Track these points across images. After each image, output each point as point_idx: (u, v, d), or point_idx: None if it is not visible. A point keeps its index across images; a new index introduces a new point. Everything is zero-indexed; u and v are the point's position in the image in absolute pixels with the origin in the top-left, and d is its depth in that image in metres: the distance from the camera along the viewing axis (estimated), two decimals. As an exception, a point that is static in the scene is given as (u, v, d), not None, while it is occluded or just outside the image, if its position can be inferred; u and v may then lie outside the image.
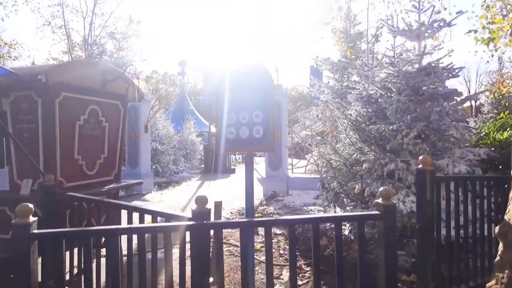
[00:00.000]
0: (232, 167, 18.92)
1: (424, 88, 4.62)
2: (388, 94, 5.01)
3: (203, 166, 18.63)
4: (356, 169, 5.43)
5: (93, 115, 4.12)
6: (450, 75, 4.43)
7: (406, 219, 4.25)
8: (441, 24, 4.38)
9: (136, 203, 8.71)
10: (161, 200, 9.13)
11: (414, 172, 4.54)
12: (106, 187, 4.13)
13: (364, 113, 5.72)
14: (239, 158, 25.91)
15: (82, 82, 3.84)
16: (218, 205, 5.72)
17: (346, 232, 5.48)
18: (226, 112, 3.39)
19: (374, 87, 5.58)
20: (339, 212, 6.10)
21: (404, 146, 4.55)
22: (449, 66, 4.48)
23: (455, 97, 4.48)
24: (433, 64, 4.53)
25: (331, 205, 5.95)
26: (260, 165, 22.04)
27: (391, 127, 4.53)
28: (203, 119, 25.66)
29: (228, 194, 10.00)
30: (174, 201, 9.07)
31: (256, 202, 7.78)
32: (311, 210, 7.49)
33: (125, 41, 20.59)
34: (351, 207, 5.77)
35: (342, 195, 5.83)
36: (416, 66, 4.71)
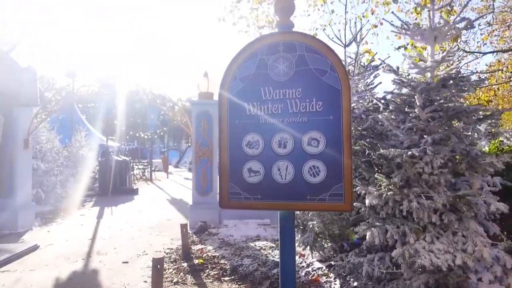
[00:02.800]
0: (134, 186, 16.32)
1: (437, 102, 3.70)
2: (390, 110, 3.97)
3: (97, 185, 15.63)
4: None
5: None
6: (473, 86, 3.58)
7: (451, 279, 3.17)
8: (468, 25, 3.51)
9: (9, 247, 6.06)
10: (50, 244, 6.61)
11: (434, 209, 3.57)
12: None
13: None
14: (138, 174, 22.96)
15: None
16: (159, 263, 3.90)
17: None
18: (237, 131, 1.79)
19: (362, 100, 4.53)
20: (316, 258, 4.83)
21: (423, 176, 3.51)
22: (469, 76, 3.64)
23: (481, 114, 3.63)
24: (452, 73, 3.64)
25: (307, 249, 4.65)
26: (164, 182, 19.59)
27: (410, 152, 3.46)
28: (95, 130, 22.22)
29: (143, 228, 7.92)
30: (69, 244, 6.66)
31: (177, 235, 5.93)
32: (261, 248, 6.07)
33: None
34: (333, 252, 4.56)
35: (321, 236, 4.59)
36: (428, 75, 3.77)
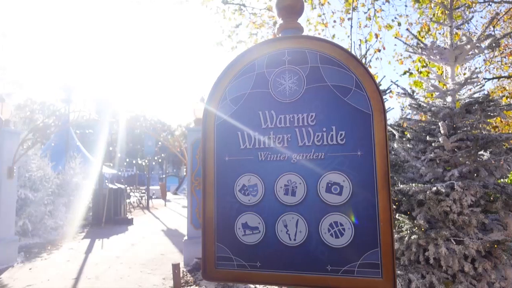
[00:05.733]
0: (129, 216, 15.65)
1: (461, 130, 3.24)
2: (407, 138, 3.51)
3: (91, 214, 14.97)
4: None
5: None
6: (504, 111, 3.13)
7: None
8: (493, 43, 3.10)
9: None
10: (29, 285, 5.99)
11: (465, 255, 3.05)
12: None
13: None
14: (134, 202, 22.28)
15: None
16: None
17: None
18: (227, 172, 1.30)
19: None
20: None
21: (450, 216, 3.00)
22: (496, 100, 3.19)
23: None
24: (478, 97, 3.20)
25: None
26: (161, 211, 18.76)
27: (434, 187, 2.97)
28: (92, 157, 21.74)
29: (133, 265, 7.28)
30: (50, 284, 6.03)
31: (169, 274, 5.34)
32: (262, 290, 5.44)
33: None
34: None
35: None
36: (449, 99, 3.33)
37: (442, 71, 3.85)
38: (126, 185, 19.98)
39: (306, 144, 1.22)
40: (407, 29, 3.37)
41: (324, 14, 8.71)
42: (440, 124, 2.90)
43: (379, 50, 8.74)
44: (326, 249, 1.16)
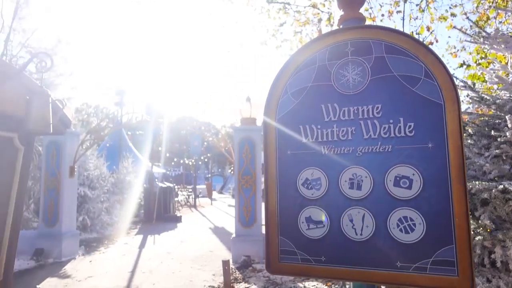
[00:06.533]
0: (178, 214, 16.20)
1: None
2: (468, 133, 3.31)
3: (143, 212, 15.69)
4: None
5: None
6: None
7: None
8: None
9: (50, 282, 5.88)
10: (90, 276, 6.39)
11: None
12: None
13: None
14: (182, 200, 23.02)
15: None
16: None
17: None
18: (290, 166, 1.29)
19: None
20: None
21: (519, 216, 2.78)
22: None
23: None
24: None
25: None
26: (208, 209, 19.28)
27: (500, 185, 2.77)
28: (142, 157, 22.75)
29: (184, 260, 7.52)
30: (108, 276, 6.39)
31: (219, 271, 5.45)
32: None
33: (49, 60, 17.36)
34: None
35: None
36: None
37: (506, 61, 3.59)
38: (174, 184, 20.69)
39: (372, 136, 1.19)
40: (467, 17, 3.17)
41: (371, 8, 8.45)
42: (507, 117, 2.70)
43: (432, 43, 8.32)
44: (395, 245, 1.12)
